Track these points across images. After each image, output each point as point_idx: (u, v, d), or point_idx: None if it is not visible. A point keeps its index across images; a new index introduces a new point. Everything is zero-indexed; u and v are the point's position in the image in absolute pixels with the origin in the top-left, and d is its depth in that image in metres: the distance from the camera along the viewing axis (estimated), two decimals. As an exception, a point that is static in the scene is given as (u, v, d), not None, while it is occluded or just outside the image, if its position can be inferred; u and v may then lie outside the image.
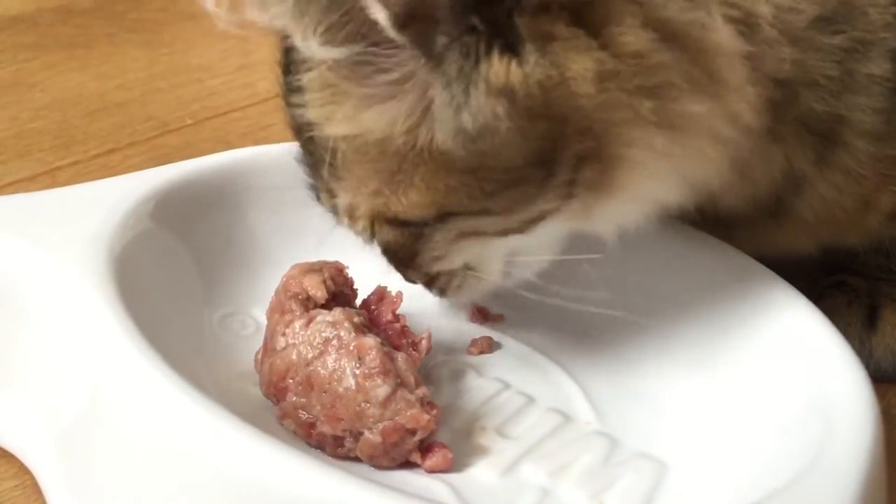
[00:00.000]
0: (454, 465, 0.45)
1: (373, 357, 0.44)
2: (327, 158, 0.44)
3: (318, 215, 0.50)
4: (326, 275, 0.49)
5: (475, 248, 0.47)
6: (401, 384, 0.44)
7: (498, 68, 0.38)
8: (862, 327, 0.57)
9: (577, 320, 0.52)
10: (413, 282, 0.50)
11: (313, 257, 0.50)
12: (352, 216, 0.46)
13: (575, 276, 0.49)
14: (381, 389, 0.43)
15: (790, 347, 0.46)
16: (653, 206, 0.46)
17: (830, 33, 0.44)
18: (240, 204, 0.57)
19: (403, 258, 0.48)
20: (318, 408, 0.44)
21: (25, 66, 0.96)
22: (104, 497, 0.41)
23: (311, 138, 0.45)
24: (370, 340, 0.45)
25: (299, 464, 0.37)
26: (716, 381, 0.48)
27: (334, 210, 0.48)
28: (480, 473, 0.45)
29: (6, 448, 0.46)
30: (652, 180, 0.43)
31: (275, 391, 0.46)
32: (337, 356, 0.45)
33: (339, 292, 0.49)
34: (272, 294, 0.49)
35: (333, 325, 0.45)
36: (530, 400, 0.50)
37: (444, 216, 0.44)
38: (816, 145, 0.47)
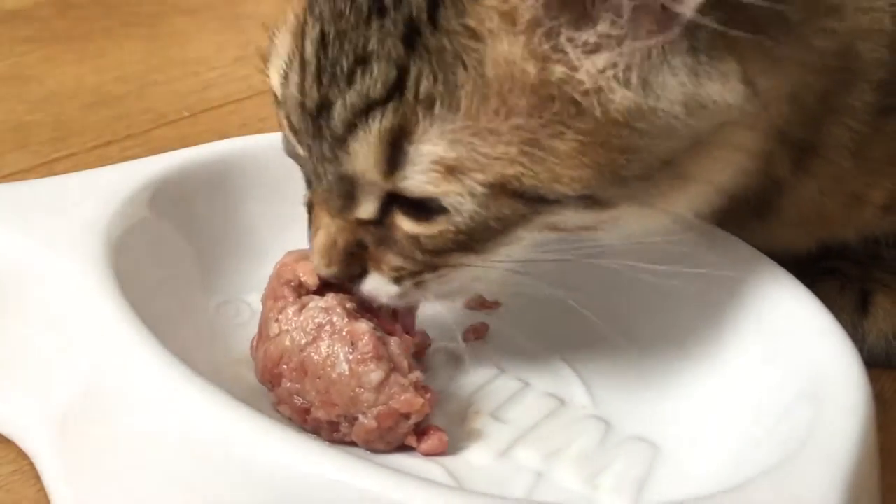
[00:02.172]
0: (449, 449, 0.45)
1: (365, 342, 0.44)
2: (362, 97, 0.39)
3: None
4: None
5: (532, 242, 0.44)
6: (394, 369, 0.44)
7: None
8: (854, 312, 0.57)
9: (571, 306, 0.52)
10: (399, 277, 0.45)
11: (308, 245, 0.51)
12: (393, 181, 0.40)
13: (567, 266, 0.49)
14: (375, 374, 0.44)
15: (783, 331, 0.46)
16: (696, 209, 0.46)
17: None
18: (236, 192, 0.57)
19: (462, 243, 0.42)
20: (313, 393, 0.45)
21: (23, 59, 0.96)
22: (102, 481, 0.41)
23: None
24: (363, 325, 0.45)
25: (298, 445, 0.38)
26: (709, 364, 0.49)
27: (336, 179, 0.42)
28: (475, 457, 0.45)
29: (4, 433, 0.47)
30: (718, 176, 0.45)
31: (270, 377, 0.46)
32: (330, 342, 0.45)
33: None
34: (267, 282, 0.49)
35: (326, 310, 0.46)
36: (525, 384, 0.50)
37: (561, 200, 0.40)
38: (793, 155, 0.47)
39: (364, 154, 0.40)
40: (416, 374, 0.45)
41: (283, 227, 0.56)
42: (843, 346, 0.44)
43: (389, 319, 0.48)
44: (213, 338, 0.51)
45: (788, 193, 0.49)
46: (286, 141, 0.46)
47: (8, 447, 0.46)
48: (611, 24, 0.37)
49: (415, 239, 0.43)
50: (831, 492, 0.36)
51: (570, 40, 0.38)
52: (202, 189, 0.56)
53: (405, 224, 0.43)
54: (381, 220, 0.43)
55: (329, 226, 0.44)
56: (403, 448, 0.45)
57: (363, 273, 0.45)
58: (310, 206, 0.46)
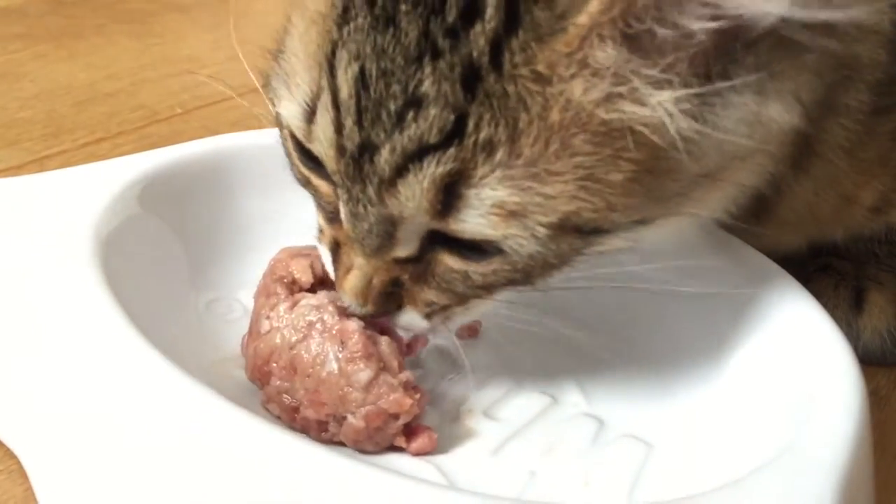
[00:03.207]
0: (442, 448, 0.45)
1: (355, 341, 0.44)
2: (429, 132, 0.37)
3: (304, 201, 0.50)
4: (314, 258, 0.48)
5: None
6: (383, 368, 0.44)
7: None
8: (849, 310, 0.57)
9: (564, 304, 0.52)
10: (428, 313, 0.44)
11: (301, 241, 0.50)
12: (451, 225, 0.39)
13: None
14: (364, 374, 0.43)
15: (777, 329, 0.46)
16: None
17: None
18: (227, 189, 0.56)
19: (516, 280, 0.42)
20: (302, 392, 0.44)
21: (14, 57, 0.95)
22: (90, 481, 0.41)
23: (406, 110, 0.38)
24: (352, 324, 0.44)
25: (286, 444, 0.37)
26: (703, 363, 0.48)
27: (378, 221, 0.41)
28: (468, 455, 0.45)
29: (-8, 433, 0.46)
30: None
31: (259, 375, 0.46)
32: (320, 340, 0.44)
33: (327, 277, 0.49)
34: (259, 278, 0.49)
35: (317, 308, 0.45)
36: (518, 382, 0.50)
37: (614, 230, 0.40)
38: (794, 154, 0.47)
39: (416, 198, 0.39)
40: (406, 374, 0.45)
41: (275, 223, 0.56)
42: (839, 344, 0.44)
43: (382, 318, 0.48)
44: (204, 335, 0.51)
45: (786, 193, 0.49)
46: (296, 171, 0.45)
47: (-5, 446, 0.46)
48: (682, 62, 0.37)
49: (462, 275, 0.42)
50: (826, 490, 0.36)
51: (640, 77, 0.37)
52: (193, 185, 0.55)
53: (450, 261, 0.42)
54: (421, 258, 0.42)
55: (363, 266, 0.43)
56: (394, 447, 0.44)
57: (398, 309, 0.44)
58: (335, 244, 0.45)
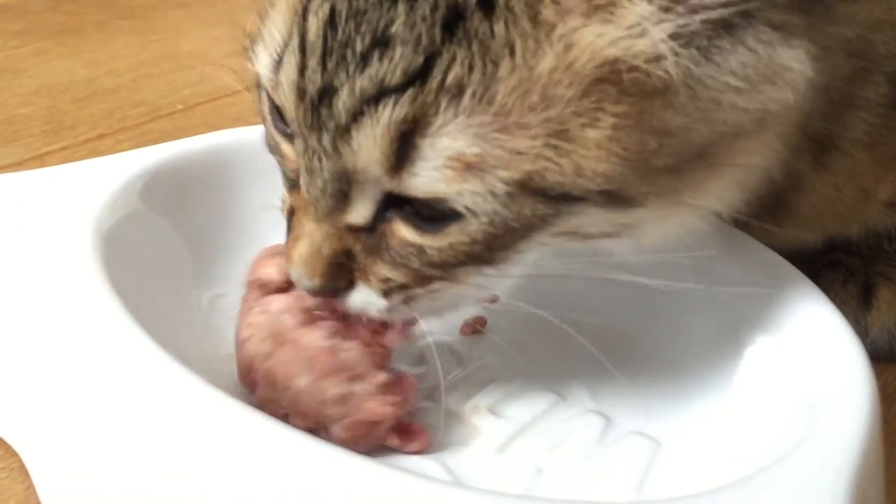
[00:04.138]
0: (448, 445, 0.44)
1: (319, 359, 0.42)
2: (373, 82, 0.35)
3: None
4: None
5: (547, 250, 0.41)
6: (355, 377, 0.43)
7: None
8: (857, 306, 0.57)
9: (569, 301, 0.52)
10: (386, 291, 0.42)
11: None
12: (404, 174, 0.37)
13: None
14: (333, 391, 0.42)
15: (785, 325, 0.46)
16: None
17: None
18: (229, 185, 0.56)
19: (475, 255, 0.39)
20: (286, 402, 0.43)
21: (15, 53, 0.95)
22: (92, 479, 0.40)
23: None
24: (315, 336, 0.43)
25: (292, 441, 0.37)
26: (712, 360, 0.48)
27: (332, 175, 0.39)
28: (474, 452, 0.45)
29: (-7, 430, 0.46)
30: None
31: (247, 381, 0.45)
32: (288, 355, 0.43)
33: None
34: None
35: (285, 312, 0.44)
36: (524, 379, 0.49)
37: (585, 197, 0.37)
38: (814, 150, 0.47)
39: (369, 147, 0.36)
40: (382, 376, 0.43)
41: (276, 219, 0.55)
42: (850, 343, 0.43)
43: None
44: (207, 332, 0.50)
45: (806, 190, 0.48)
46: (268, 135, 0.43)
47: (-3, 444, 0.45)
48: None
49: (417, 249, 0.40)
50: (836, 487, 0.36)
51: (650, 11, 0.35)
52: (195, 181, 0.55)
53: (404, 232, 0.40)
54: (374, 227, 0.40)
55: (314, 232, 0.41)
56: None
57: (349, 285, 0.42)
58: (290, 212, 0.43)
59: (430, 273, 0.40)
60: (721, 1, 0.35)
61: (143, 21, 1.06)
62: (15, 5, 1.07)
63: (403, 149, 0.36)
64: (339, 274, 0.41)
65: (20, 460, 0.44)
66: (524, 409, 0.47)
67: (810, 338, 0.44)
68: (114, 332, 0.41)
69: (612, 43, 0.35)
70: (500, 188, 0.36)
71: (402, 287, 0.41)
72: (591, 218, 0.39)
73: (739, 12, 0.35)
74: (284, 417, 0.43)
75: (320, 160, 0.38)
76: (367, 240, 0.41)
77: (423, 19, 0.35)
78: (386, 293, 0.41)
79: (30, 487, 0.43)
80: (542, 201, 0.37)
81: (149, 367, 0.40)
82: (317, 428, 0.43)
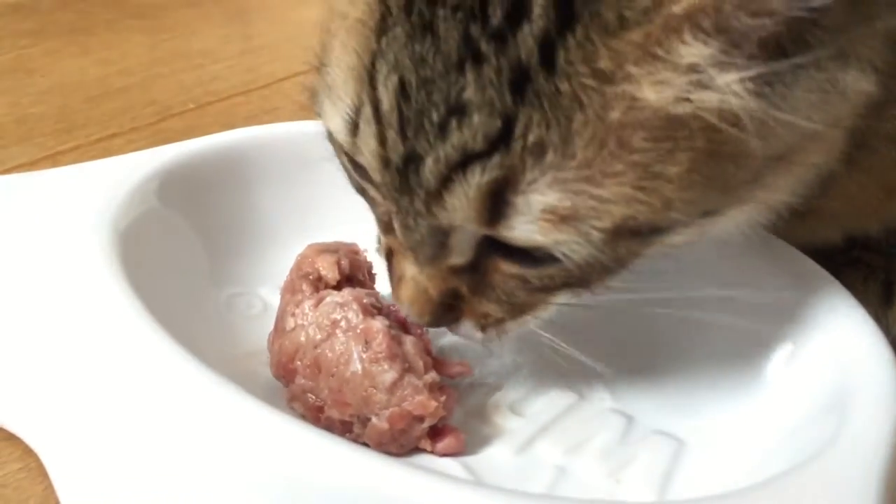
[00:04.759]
0: (468, 444, 0.44)
1: (379, 341, 0.43)
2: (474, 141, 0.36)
3: (324, 195, 0.49)
4: (341, 256, 0.48)
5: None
6: (408, 369, 0.43)
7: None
8: (878, 303, 0.56)
9: (591, 300, 0.51)
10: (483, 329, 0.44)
11: (322, 237, 0.49)
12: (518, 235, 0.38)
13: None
14: (388, 375, 0.42)
15: (812, 324, 0.45)
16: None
17: None
18: (246, 183, 0.56)
19: (573, 283, 0.41)
20: (326, 391, 0.43)
21: (26, 52, 0.95)
22: (110, 479, 0.40)
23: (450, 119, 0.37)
24: (377, 323, 0.44)
25: (312, 442, 0.37)
26: (734, 358, 0.47)
27: (429, 231, 0.40)
28: (495, 452, 0.44)
29: (10, 430, 0.45)
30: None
31: (284, 372, 0.45)
32: (344, 339, 0.44)
33: (352, 275, 0.48)
34: (279, 274, 0.48)
35: (342, 306, 0.44)
36: (544, 378, 0.49)
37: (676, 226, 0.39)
38: (849, 147, 0.46)
39: (462, 207, 0.37)
40: (432, 375, 0.44)
41: (295, 217, 0.55)
42: (876, 341, 0.43)
43: None
44: (224, 331, 0.50)
45: (834, 188, 0.48)
46: (352, 181, 0.44)
47: (15, 444, 0.45)
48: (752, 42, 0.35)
49: (521, 280, 0.41)
50: (867, 487, 0.35)
51: (712, 64, 0.35)
52: (211, 179, 0.55)
53: (505, 266, 0.41)
54: (476, 264, 0.41)
55: (416, 276, 0.42)
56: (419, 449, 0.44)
57: (456, 321, 0.44)
58: (388, 253, 0.44)
59: (532, 300, 0.42)
60: (772, 46, 0.35)
61: (153, 20, 1.06)
62: (25, 4, 1.07)
63: (497, 206, 0.37)
64: (448, 313, 0.43)
65: (38, 460, 0.44)
66: (545, 408, 0.47)
67: (838, 337, 0.44)
68: (132, 331, 0.41)
69: (676, 101, 0.35)
70: (596, 236, 0.37)
71: (499, 321, 0.43)
72: (682, 236, 0.40)
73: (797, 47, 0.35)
74: (318, 410, 0.44)
75: (415, 219, 0.39)
76: (470, 278, 0.42)
77: (492, 84, 0.35)
78: (483, 328, 0.43)
79: (48, 487, 0.42)
80: (637, 241, 0.39)
81: (167, 367, 0.40)
82: (352, 421, 0.43)
